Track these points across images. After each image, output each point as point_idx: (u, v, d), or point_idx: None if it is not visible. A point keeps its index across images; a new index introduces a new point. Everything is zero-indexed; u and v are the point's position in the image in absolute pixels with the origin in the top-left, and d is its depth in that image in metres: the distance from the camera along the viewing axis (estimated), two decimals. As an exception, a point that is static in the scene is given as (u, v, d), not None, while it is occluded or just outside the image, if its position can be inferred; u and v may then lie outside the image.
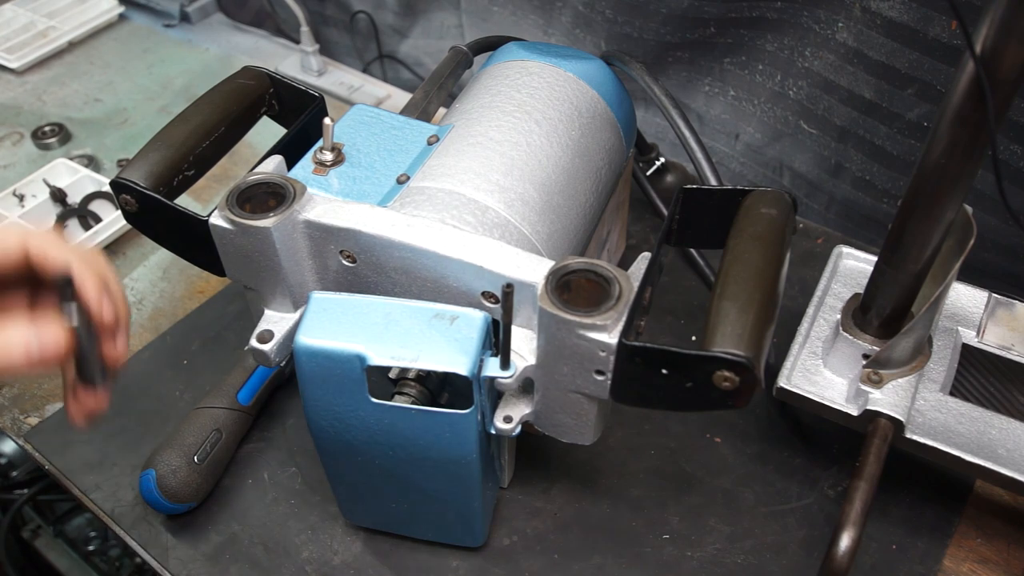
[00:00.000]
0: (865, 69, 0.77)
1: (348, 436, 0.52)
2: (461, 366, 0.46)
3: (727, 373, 0.42)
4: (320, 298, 0.49)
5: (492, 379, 0.49)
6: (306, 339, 0.48)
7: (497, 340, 0.49)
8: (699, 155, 0.66)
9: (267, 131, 0.54)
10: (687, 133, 0.66)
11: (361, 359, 0.47)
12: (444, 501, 0.56)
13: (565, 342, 0.46)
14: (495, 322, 0.49)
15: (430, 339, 0.47)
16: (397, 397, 0.52)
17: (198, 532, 0.62)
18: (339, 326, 0.48)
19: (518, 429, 0.52)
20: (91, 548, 1.03)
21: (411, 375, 0.53)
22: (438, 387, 0.54)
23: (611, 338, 0.44)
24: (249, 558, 0.61)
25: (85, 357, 0.43)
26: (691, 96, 0.93)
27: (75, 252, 0.45)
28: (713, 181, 0.65)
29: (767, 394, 0.63)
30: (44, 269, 0.44)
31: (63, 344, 0.41)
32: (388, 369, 0.53)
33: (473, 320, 0.47)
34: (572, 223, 0.58)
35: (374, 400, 0.49)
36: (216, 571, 0.60)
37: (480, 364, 0.47)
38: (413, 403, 0.52)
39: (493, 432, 0.52)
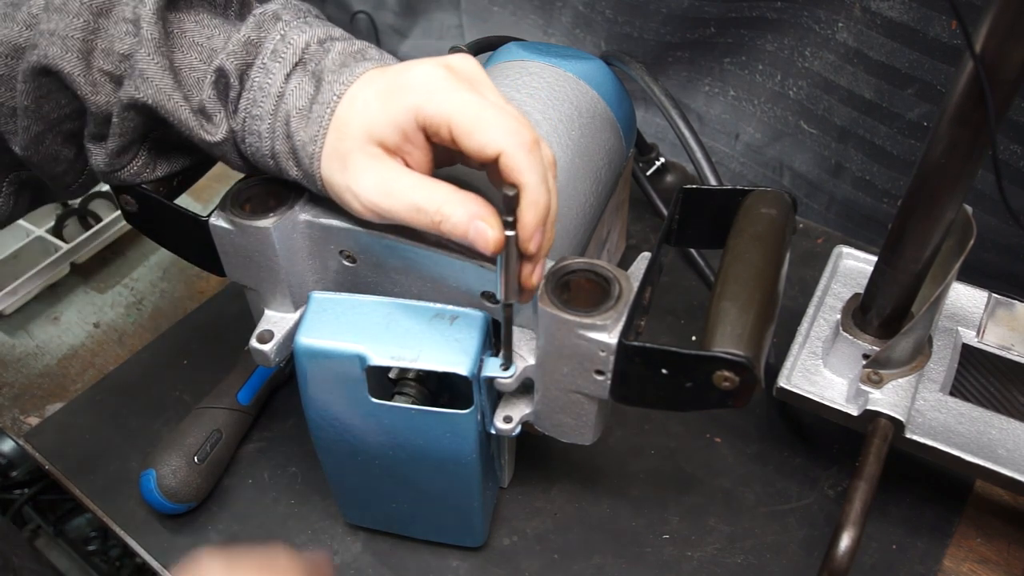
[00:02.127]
0: (865, 69, 0.77)
1: (348, 436, 0.52)
2: (461, 366, 0.46)
3: (727, 373, 0.42)
4: (320, 298, 0.49)
5: (492, 379, 0.49)
6: (306, 339, 0.48)
7: (497, 340, 0.49)
8: (699, 155, 0.66)
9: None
10: (687, 133, 0.66)
11: (361, 359, 0.47)
12: (444, 501, 0.56)
13: (565, 342, 0.46)
14: (495, 322, 0.49)
15: (430, 339, 0.47)
16: (397, 397, 0.52)
17: (198, 532, 0.62)
18: (339, 326, 0.48)
19: (518, 429, 0.52)
20: (91, 548, 1.03)
21: (411, 375, 0.53)
22: (438, 387, 0.54)
23: (611, 338, 0.44)
24: (249, 558, 0.61)
25: (503, 274, 0.43)
26: (691, 96, 0.93)
27: (520, 149, 0.42)
28: (713, 181, 0.65)
29: (767, 394, 0.63)
30: (469, 148, 0.42)
31: (492, 248, 0.42)
32: (388, 369, 0.53)
33: (473, 320, 0.47)
34: (572, 223, 0.58)
35: (374, 400, 0.49)
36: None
37: (480, 364, 0.47)
38: (413, 403, 0.52)
39: (493, 432, 0.52)
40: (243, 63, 0.46)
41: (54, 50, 0.45)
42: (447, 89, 0.43)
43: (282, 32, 0.46)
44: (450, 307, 0.48)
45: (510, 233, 0.41)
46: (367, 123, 0.43)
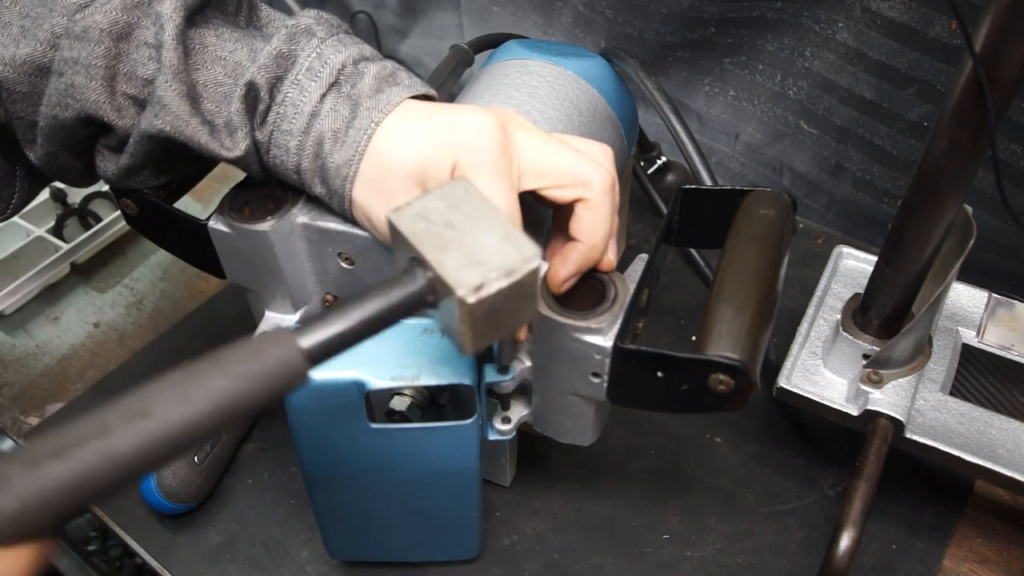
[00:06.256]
0: (865, 69, 0.77)
1: (344, 468, 0.51)
2: (464, 377, 0.46)
3: (722, 376, 0.42)
4: None
5: (493, 384, 0.48)
6: None
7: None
8: (690, 149, 0.66)
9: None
10: (679, 128, 0.66)
11: (359, 385, 0.46)
12: (442, 517, 0.55)
13: (561, 345, 0.46)
14: None
15: (426, 354, 0.46)
16: (396, 399, 0.52)
17: (198, 532, 0.62)
18: None
19: (514, 432, 0.52)
20: (91, 548, 1.03)
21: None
22: (439, 387, 0.54)
23: (606, 341, 0.44)
24: (249, 558, 0.61)
25: (501, 347, 0.47)
26: (691, 96, 0.93)
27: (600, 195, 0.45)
28: (706, 176, 0.65)
29: (767, 394, 0.63)
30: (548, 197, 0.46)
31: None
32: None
33: None
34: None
35: (374, 426, 0.48)
36: (216, 571, 0.60)
37: (480, 371, 0.47)
38: (412, 403, 0.51)
39: (491, 438, 0.52)
40: (274, 76, 0.46)
41: (79, 79, 0.45)
42: (510, 148, 0.45)
43: (318, 50, 0.46)
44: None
45: None
46: (417, 167, 0.44)
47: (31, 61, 0.46)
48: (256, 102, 0.46)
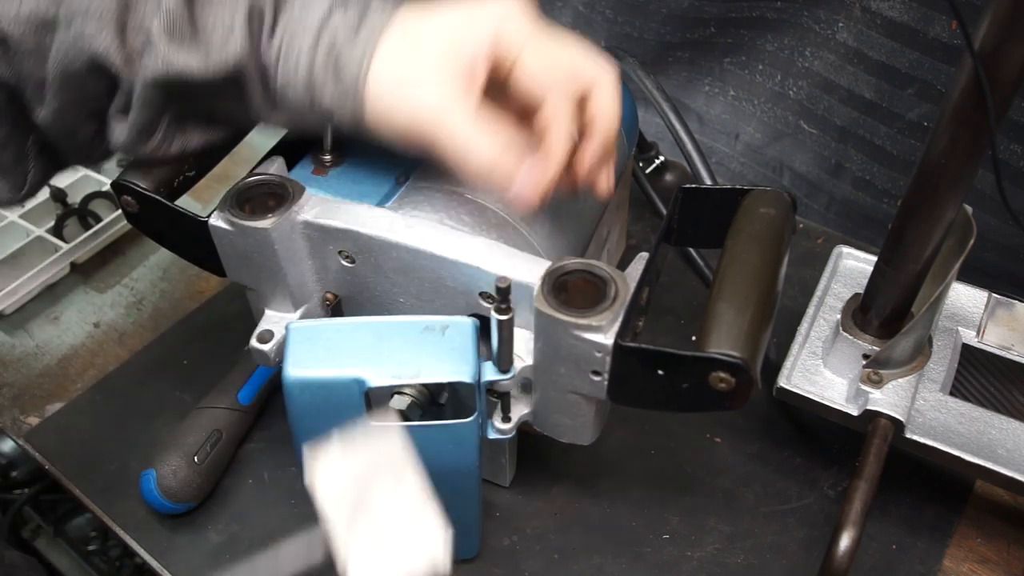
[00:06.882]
0: (865, 69, 0.77)
1: None
2: (464, 374, 0.46)
3: (723, 374, 0.42)
4: (299, 328, 0.48)
5: (493, 383, 0.48)
6: (296, 371, 0.46)
7: (485, 342, 0.49)
8: (690, 148, 0.66)
9: (268, 132, 0.54)
10: (679, 128, 0.66)
11: (360, 383, 0.45)
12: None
13: (561, 343, 0.46)
14: (483, 325, 0.49)
15: (426, 352, 0.46)
16: (396, 398, 0.52)
17: (198, 532, 0.62)
18: (329, 353, 0.46)
19: (514, 431, 0.52)
20: (91, 548, 1.03)
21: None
22: (438, 386, 0.54)
23: (607, 339, 0.44)
24: (249, 558, 0.61)
25: (499, 348, 0.47)
26: (691, 96, 0.93)
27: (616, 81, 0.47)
28: (705, 176, 0.65)
29: (767, 394, 0.63)
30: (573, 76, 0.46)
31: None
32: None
33: (464, 327, 0.47)
34: (571, 223, 0.58)
35: (374, 424, 0.48)
36: (216, 571, 0.60)
37: (479, 370, 0.47)
38: (412, 402, 0.51)
39: (491, 437, 0.52)
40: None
41: (90, 28, 0.45)
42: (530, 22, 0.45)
43: None
44: (437, 318, 0.48)
45: (504, 318, 0.44)
46: (450, 36, 0.44)
47: (36, 15, 0.45)
48: (261, 23, 0.46)
